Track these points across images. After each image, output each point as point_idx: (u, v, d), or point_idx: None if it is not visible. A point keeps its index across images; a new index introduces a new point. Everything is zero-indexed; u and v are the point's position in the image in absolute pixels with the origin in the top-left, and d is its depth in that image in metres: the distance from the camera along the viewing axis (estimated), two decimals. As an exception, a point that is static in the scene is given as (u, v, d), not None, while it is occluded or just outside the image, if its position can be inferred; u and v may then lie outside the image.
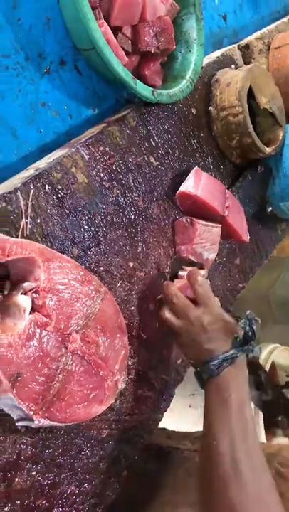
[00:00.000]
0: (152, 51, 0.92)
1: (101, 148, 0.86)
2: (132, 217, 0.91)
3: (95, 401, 0.72)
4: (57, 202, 0.77)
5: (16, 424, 0.65)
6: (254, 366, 1.57)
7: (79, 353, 0.69)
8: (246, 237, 1.11)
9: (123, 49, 0.89)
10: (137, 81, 0.88)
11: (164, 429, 1.21)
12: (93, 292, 0.74)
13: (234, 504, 0.65)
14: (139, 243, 0.92)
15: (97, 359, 0.72)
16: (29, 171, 0.77)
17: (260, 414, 1.59)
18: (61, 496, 0.75)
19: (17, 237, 0.70)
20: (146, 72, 0.94)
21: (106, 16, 0.86)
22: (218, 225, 1.03)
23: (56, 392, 0.66)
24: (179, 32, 1.00)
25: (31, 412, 0.63)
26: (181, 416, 2.04)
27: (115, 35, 0.87)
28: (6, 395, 0.61)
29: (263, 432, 1.57)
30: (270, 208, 1.31)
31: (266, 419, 1.60)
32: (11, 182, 0.74)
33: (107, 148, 0.87)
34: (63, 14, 0.86)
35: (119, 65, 0.84)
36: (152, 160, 0.96)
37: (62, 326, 0.68)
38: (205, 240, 1.01)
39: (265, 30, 1.36)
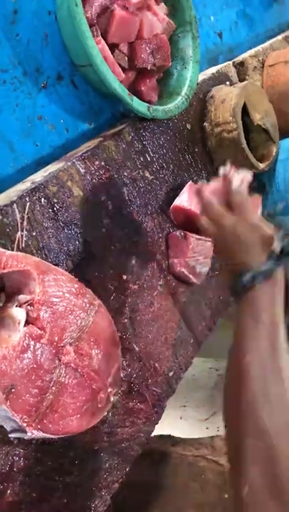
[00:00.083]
0: (148, 68, 0.94)
1: (97, 163, 0.87)
2: (127, 230, 0.92)
3: (88, 413, 0.73)
4: (52, 215, 0.78)
5: (9, 435, 0.66)
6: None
7: (72, 365, 0.70)
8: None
9: (120, 65, 0.90)
10: (134, 97, 0.89)
11: (170, 436, 1.20)
12: (87, 305, 0.74)
13: (264, 423, 0.60)
14: (133, 256, 0.93)
15: (90, 371, 0.73)
16: (25, 184, 0.78)
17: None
18: (52, 509, 0.75)
19: (12, 249, 0.71)
20: (143, 88, 0.96)
21: (103, 32, 0.87)
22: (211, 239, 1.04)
23: (49, 404, 0.66)
24: (175, 49, 1.02)
25: (24, 424, 0.63)
26: (172, 427, 2.04)
27: (112, 52, 0.89)
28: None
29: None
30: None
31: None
32: (7, 195, 0.75)
33: (102, 163, 0.88)
34: (61, 31, 0.87)
35: (116, 81, 0.85)
36: (147, 174, 0.98)
37: (56, 339, 0.69)
38: (198, 254, 1.02)
39: (259, 47, 1.38)
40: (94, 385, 0.73)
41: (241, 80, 1.29)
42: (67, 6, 0.80)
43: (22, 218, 0.73)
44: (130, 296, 0.92)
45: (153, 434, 1.00)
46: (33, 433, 0.64)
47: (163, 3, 0.98)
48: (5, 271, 0.64)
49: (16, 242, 0.71)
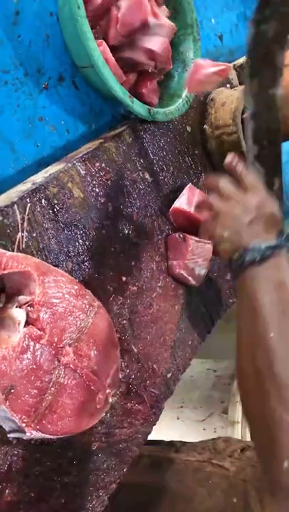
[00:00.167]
0: (149, 70, 0.94)
1: (97, 164, 0.87)
2: (126, 231, 0.92)
3: (86, 414, 0.73)
4: (53, 216, 0.78)
5: (8, 435, 0.66)
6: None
7: (71, 366, 0.70)
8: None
9: (121, 67, 0.90)
10: (134, 99, 0.90)
11: (171, 443, 1.21)
12: (87, 306, 0.75)
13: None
14: (133, 258, 0.93)
15: (89, 372, 0.73)
16: (26, 185, 0.78)
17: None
18: (50, 509, 0.75)
19: (13, 250, 0.71)
20: (143, 91, 0.96)
21: (105, 34, 0.87)
22: (210, 241, 1.04)
23: (48, 405, 0.67)
24: (176, 52, 1.02)
25: (23, 424, 0.64)
26: (169, 428, 2.04)
27: (113, 54, 0.89)
28: (-1, 407, 0.62)
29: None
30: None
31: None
32: (8, 195, 0.75)
33: (103, 164, 0.88)
34: (63, 32, 0.87)
35: (117, 83, 0.86)
36: (147, 176, 0.98)
37: (56, 340, 0.69)
38: (197, 256, 1.02)
39: (259, 50, 1.38)
40: (92, 386, 0.73)
41: (241, 83, 1.29)
42: (68, 8, 0.80)
43: (22, 219, 0.73)
44: (129, 297, 0.92)
45: (152, 439, 1.00)
46: (31, 433, 0.65)
47: (165, 6, 0.99)
48: (5, 272, 0.64)
49: (17, 243, 0.72)
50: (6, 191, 0.78)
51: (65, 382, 0.69)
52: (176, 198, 1.01)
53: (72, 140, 0.93)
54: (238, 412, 1.95)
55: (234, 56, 1.42)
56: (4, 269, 0.64)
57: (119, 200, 0.91)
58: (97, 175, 0.87)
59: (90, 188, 0.85)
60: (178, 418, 2.20)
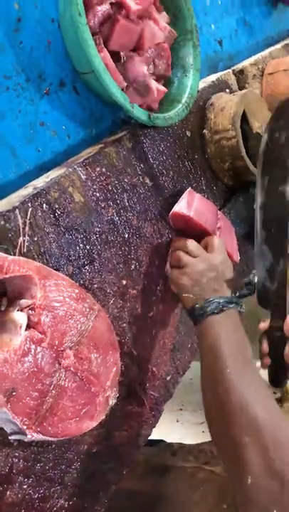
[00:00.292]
0: (150, 76, 0.95)
1: (98, 169, 0.88)
2: (126, 235, 0.93)
3: (87, 416, 0.73)
4: (54, 220, 0.79)
5: (9, 437, 0.67)
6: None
7: (72, 369, 0.71)
8: (236, 257, 1.13)
9: (121, 73, 0.91)
10: (134, 104, 0.90)
11: (170, 445, 1.21)
12: (87, 310, 0.75)
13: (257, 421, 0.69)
14: (133, 261, 0.94)
15: (90, 375, 0.74)
16: (27, 189, 0.79)
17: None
18: (51, 510, 0.76)
19: (14, 254, 0.72)
20: (144, 96, 0.97)
21: (105, 40, 0.88)
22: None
23: (49, 407, 0.67)
24: (176, 57, 1.03)
25: (25, 427, 0.64)
26: (168, 430, 2.05)
27: (114, 59, 0.90)
28: (0, 410, 0.62)
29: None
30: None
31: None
32: (10, 200, 0.76)
33: (103, 169, 0.89)
34: (64, 38, 0.88)
35: (118, 89, 0.87)
36: (147, 180, 0.99)
37: (57, 343, 0.69)
38: (196, 260, 1.03)
39: (259, 55, 1.39)
40: (93, 388, 0.74)
41: (241, 88, 1.30)
42: (70, 15, 0.81)
43: (24, 224, 0.74)
44: (129, 301, 0.93)
45: (150, 439, 1.01)
46: (32, 435, 0.65)
47: (164, 12, 0.99)
48: (7, 276, 0.64)
49: (18, 247, 0.73)
50: (7, 196, 0.79)
51: (66, 385, 0.70)
52: (176, 202, 1.01)
53: (73, 145, 0.94)
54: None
55: (233, 61, 1.43)
56: (6, 273, 0.64)
57: (119, 205, 0.92)
58: (98, 179, 0.87)
59: (90, 192, 0.86)
60: (177, 421, 2.21)
